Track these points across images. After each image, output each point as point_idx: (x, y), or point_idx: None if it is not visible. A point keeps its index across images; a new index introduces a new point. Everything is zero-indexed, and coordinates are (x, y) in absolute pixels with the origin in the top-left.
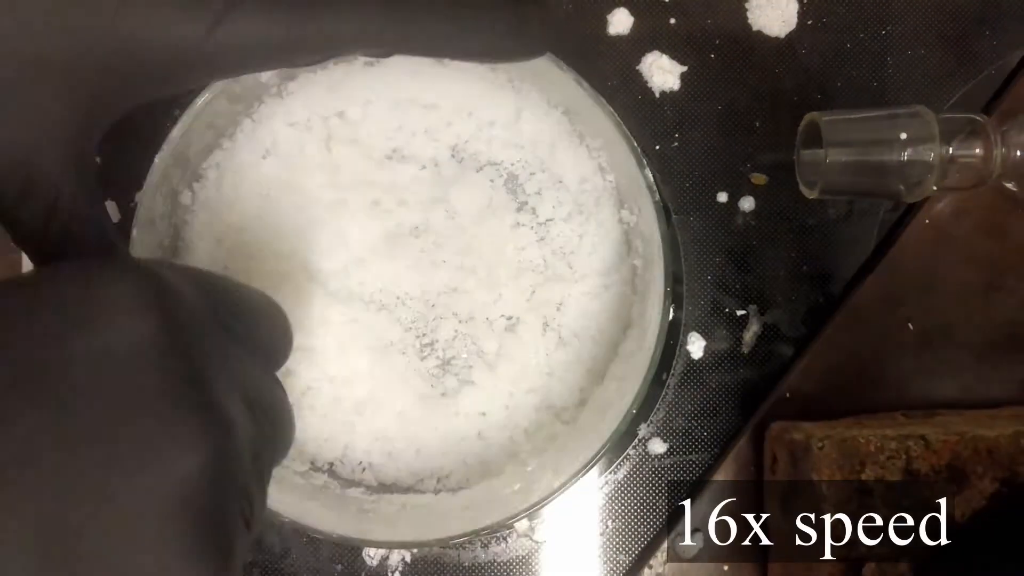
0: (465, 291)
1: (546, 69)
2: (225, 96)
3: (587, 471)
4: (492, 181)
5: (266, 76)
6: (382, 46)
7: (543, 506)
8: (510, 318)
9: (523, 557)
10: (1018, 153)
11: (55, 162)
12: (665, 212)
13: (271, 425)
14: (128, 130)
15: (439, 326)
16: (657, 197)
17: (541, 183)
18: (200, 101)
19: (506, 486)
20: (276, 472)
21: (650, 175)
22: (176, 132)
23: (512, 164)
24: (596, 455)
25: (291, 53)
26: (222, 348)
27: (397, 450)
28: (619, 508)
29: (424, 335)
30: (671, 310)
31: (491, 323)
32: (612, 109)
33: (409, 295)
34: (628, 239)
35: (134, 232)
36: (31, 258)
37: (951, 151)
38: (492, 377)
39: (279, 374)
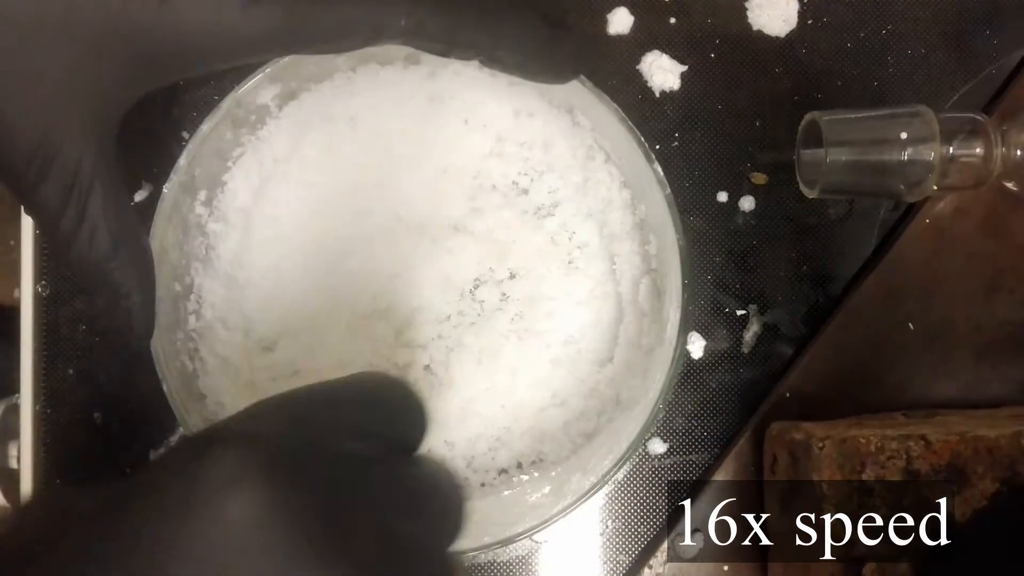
0: (481, 296)
1: None
2: (230, 120)
3: (620, 467)
4: (504, 187)
5: (268, 97)
6: (424, 39)
7: (576, 507)
8: (527, 317)
9: (523, 557)
10: (1018, 152)
11: (76, 137)
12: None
13: (431, 519)
14: (128, 132)
15: (463, 332)
16: (668, 191)
17: (554, 186)
18: (205, 127)
19: (535, 489)
20: None
21: (659, 169)
22: (183, 160)
23: (521, 169)
24: (628, 450)
25: (339, 34)
26: (352, 486)
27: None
28: (619, 508)
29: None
30: (687, 300)
31: (514, 322)
32: (616, 105)
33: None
34: (641, 234)
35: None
36: (51, 247)
37: (951, 150)
38: (514, 377)
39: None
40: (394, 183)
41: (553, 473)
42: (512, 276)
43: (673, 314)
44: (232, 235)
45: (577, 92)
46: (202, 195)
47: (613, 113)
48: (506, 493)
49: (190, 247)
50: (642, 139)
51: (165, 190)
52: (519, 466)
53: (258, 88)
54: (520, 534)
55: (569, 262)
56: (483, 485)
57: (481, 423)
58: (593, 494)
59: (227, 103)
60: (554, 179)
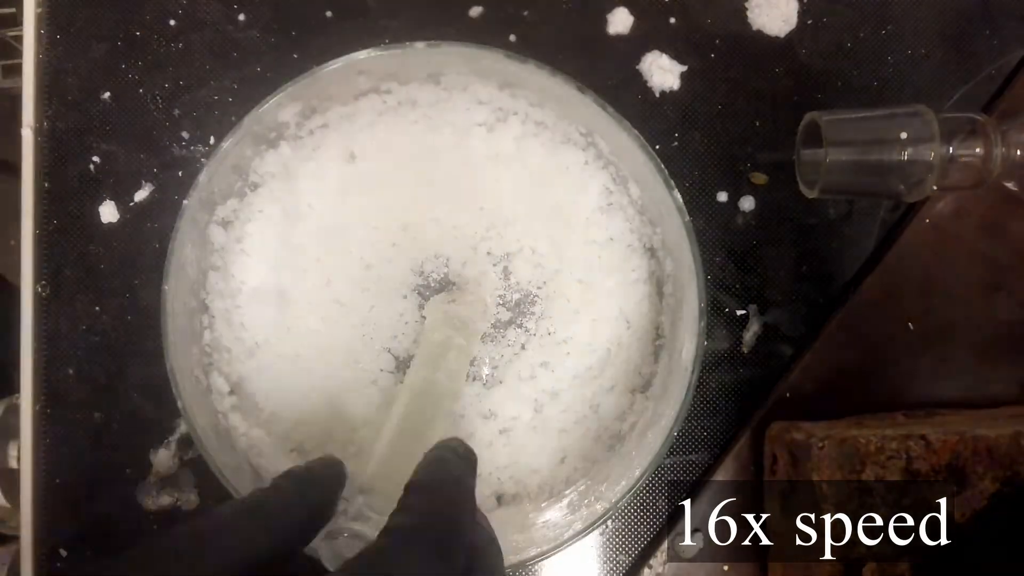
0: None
1: (567, 93)
2: (250, 137)
3: (642, 481)
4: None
5: (288, 115)
6: None
7: (609, 516)
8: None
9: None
10: (1018, 152)
11: None
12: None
13: None
14: (128, 131)
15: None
16: (687, 218)
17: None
18: (226, 145)
19: (559, 502)
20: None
21: (679, 196)
22: (203, 177)
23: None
24: (644, 472)
25: None
26: None
27: None
28: (619, 508)
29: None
30: (704, 329)
31: (537, 352)
32: (637, 132)
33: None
34: (656, 261)
35: (166, 281)
36: None
37: (951, 150)
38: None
39: None
40: (420, 224)
41: (582, 487)
42: (531, 311)
43: (688, 341)
44: (249, 264)
45: (596, 117)
46: (219, 213)
47: (634, 140)
48: (543, 504)
49: (207, 263)
50: (662, 166)
51: (185, 203)
52: (550, 485)
53: (279, 106)
54: (566, 542)
55: (588, 296)
56: (518, 499)
57: (512, 451)
58: (628, 494)
59: (247, 121)
60: (574, 209)
